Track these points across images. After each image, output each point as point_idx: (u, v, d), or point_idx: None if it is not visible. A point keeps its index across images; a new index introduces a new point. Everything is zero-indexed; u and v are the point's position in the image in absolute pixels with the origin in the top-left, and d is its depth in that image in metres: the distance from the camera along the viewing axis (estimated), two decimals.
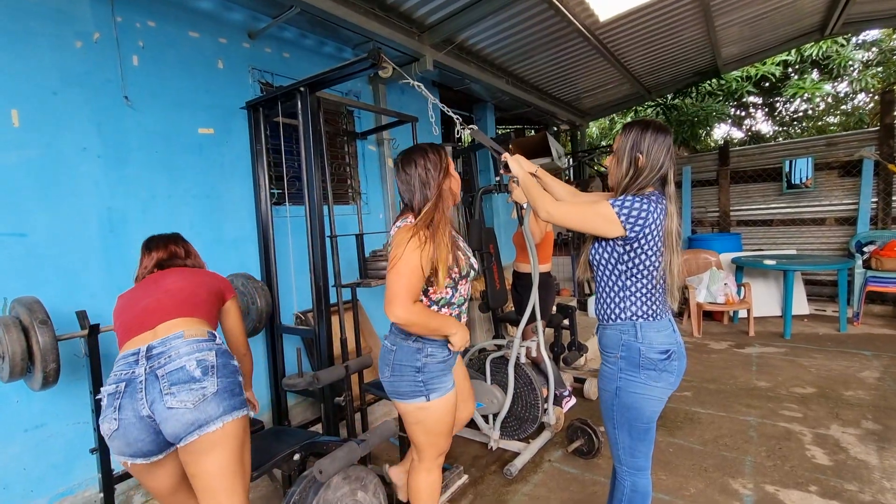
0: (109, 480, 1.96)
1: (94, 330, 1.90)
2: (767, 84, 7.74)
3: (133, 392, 1.28)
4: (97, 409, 1.69)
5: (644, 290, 1.45)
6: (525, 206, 2.49)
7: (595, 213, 1.42)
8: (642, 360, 1.43)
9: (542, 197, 1.56)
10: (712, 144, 9.18)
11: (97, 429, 1.90)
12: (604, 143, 9.55)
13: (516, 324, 2.87)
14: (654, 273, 1.44)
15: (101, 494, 1.95)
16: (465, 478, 2.36)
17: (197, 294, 1.54)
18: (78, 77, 2.21)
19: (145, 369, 1.30)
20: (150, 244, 1.69)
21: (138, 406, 1.27)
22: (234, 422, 1.32)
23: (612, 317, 1.50)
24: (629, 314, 1.46)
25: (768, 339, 4.45)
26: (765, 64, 7.18)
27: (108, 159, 2.30)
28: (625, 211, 1.38)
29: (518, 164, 1.69)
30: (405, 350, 1.55)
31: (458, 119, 2.06)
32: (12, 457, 2.00)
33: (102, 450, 1.93)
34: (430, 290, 1.51)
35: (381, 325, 3.90)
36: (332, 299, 2.60)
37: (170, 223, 2.53)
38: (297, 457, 1.72)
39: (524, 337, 2.54)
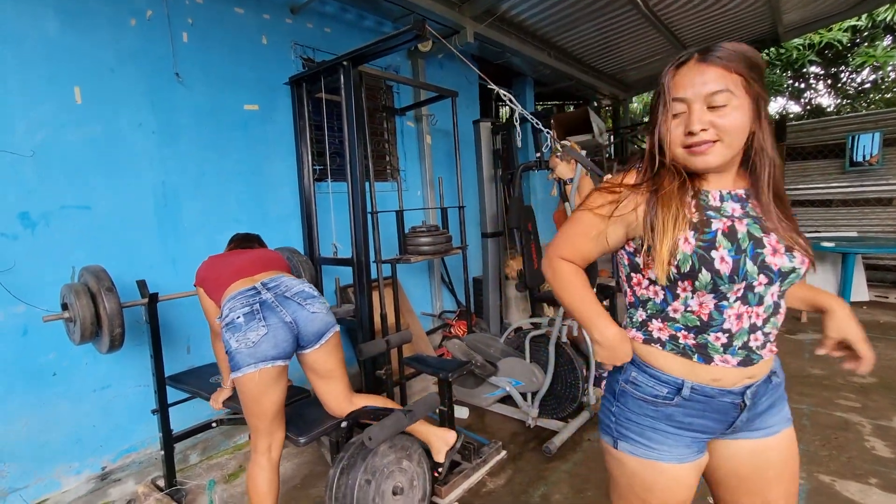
0: (169, 439, 2.09)
1: (154, 298, 1.99)
2: (831, 53, 7.14)
3: (270, 308, 1.59)
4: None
5: None
6: (568, 181, 2.42)
7: None
8: None
9: None
10: None
11: (158, 390, 2.03)
12: (647, 119, 9.13)
13: (554, 304, 2.82)
14: None
15: (162, 452, 2.08)
16: (503, 453, 2.37)
17: (278, 258, 1.91)
18: (133, 54, 2.27)
19: (272, 295, 1.62)
20: (232, 239, 2.05)
21: (281, 315, 1.59)
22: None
23: None
24: None
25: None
26: (830, 30, 6.61)
27: (162, 135, 2.38)
28: None
29: None
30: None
31: (548, 132, 2.20)
32: (84, 414, 2.16)
33: (163, 410, 2.05)
34: (635, 277, 1.00)
35: (418, 302, 3.94)
36: (373, 275, 2.63)
37: (219, 198, 2.61)
38: (344, 424, 1.78)
39: (565, 316, 2.50)
